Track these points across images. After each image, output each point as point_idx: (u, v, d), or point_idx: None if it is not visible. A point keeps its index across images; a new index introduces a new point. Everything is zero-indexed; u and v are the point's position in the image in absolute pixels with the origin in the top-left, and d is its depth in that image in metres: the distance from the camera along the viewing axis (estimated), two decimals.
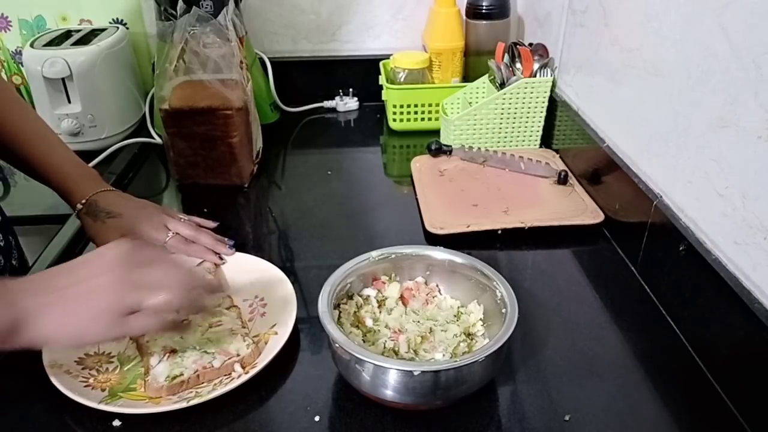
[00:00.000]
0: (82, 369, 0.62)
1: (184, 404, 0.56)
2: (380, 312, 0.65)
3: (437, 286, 0.69)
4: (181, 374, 0.59)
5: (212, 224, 0.81)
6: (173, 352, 0.62)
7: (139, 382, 0.60)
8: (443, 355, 0.59)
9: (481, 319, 0.65)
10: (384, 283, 0.68)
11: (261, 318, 0.69)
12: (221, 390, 0.57)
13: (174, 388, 0.58)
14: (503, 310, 0.60)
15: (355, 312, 0.64)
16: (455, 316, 0.66)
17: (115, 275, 0.52)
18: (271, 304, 0.70)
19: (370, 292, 0.67)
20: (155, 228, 0.75)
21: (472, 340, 0.63)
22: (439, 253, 0.68)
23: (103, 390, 0.59)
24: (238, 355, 0.61)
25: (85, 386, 0.59)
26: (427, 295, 0.68)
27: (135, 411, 0.56)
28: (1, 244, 0.72)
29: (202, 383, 0.60)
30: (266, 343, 0.64)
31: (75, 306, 0.51)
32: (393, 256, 0.67)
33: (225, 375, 0.60)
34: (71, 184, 0.77)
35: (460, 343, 0.61)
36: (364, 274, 0.66)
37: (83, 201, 0.75)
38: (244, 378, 0.59)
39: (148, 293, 0.53)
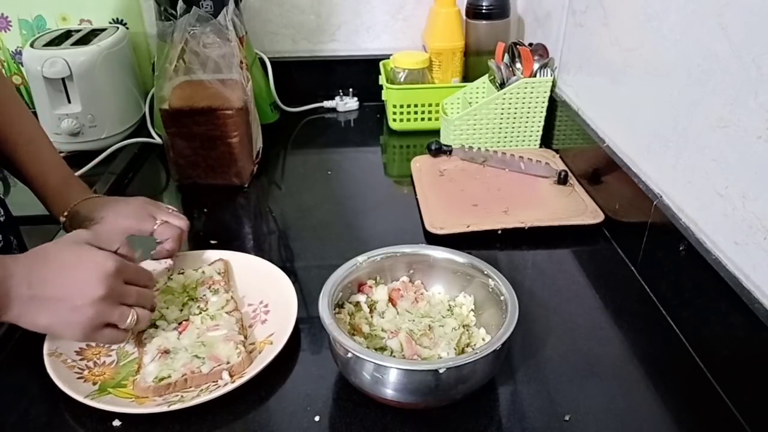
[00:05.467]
0: (80, 359, 0.62)
1: (165, 408, 0.56)
2: (372, 317, 0.65)
3: (422, 283, 0.69)
4: (169, 376, 0.59)
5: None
6: (166, 352, 0.62)
7: (131, 380, 0.60)
8: (447, 353, 0.59)
9: (472, 310, 0.66)
10: (371, 287, 0.68)
11: (261, 325, 0.68)
12: (206, 397, 0.57)
13: (160, 390, 0.58)
14: (501, 298, 0.61)
15: (349, 321, 0.64)
16: (448, 309, 0.66)
17: (101, 294, 0.57)
18: (273, 312, 0.69)
19: (359, 298, 0.67)
20: (141, 220, 0.73)
21: (468, 330, 0.63)
22: (419, 250, 0.69)
23: (94, 384, 0.59)
24: (227, 362, 0.61)
25: (78, 378, 0.60)
26: (415, 293, 0.68)
27: (117, 409, 0.56)
28: (0, 244, 0.72)
29: (189, 387, 0.59)
30: (260, 352, 0.63)
31: (59, 314, 0.57)
32: (379, 258, 0.67)
33: (212, 381, 0.60)
34: (52, 196, 0.76)
35: (461, 336, 0.61)
36: (351, 282, 0.66)
37: (65, 214, 0.75)
38: (230, 387, 0.58)
39: (123, 314, 0.59)
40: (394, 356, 0.59)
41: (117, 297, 0.59)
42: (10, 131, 0.75)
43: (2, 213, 0.75)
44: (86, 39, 1.11)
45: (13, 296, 0.55)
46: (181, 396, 0.58)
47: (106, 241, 0.62)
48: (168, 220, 0.74)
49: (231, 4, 0.97)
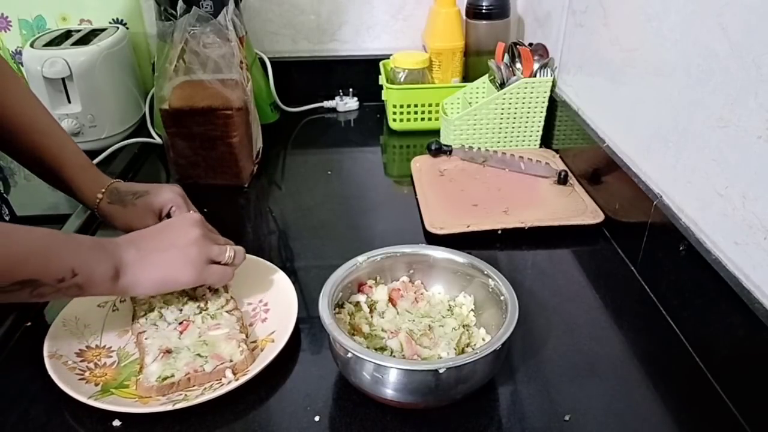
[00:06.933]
0: (81, 361, 0.62)
1: (170, 407, 0.56)
2: (373, 317, 0.65)
3: (422, 283, 0.69)
4: (172, 375, 0.59)
5: None
6: (168, 352, 0.62)
7: (133, 380, 0.60)
8: (447, 353, 0.59)
9: (472, 310, 0.66)
10: (371, 287, 0.68)
11: (262, 323, 0.68)
12: (209, 395, 0.57)
13: (164, 389, 0.58)
14: (501, 298, 0.61)
15: (349, 321, 0.64)
16: (448, 309, 0.66)
17: (198, 233, 0.65)
18: (273, 310, 0.69)
19: (359, 298, 0.67)
20: (183, 200, 0.76)
21: (468, 330, 0.63)
22: (419, 250, 0.69)
23: (96, 385, 0.59)
24: (230, 360, 0.61)
25: (80, 379, 0.60)
26: (415, 293, 0.68)
27: (121, 409, 0.56)
28: None
29: (193, 386, 0.59)
30: (262, 350, 0.64)
31: (169, 262, 0.62)
32: (379, 258, 0.67)
33: (216, 380, 0.60)
34: (87, 175, 0.77)
35: (461, 336, 0.61)
36: (351, 282, 0.66)
37: (102, 190, 0.76)
38: (234, 385, 0.58)
39: (222, 249, 0.66)
40: (394, 356, 0.59)
41: (211, 237, 0.66)
42: (37, 123, 0.76)
43: (7, 212, 0.75)
44: (86, 39, 1.11)
45: (125, 262, 0.60)
46: (185, 395, 0.58)
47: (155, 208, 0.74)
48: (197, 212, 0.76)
49: (231, 4, 0.97)
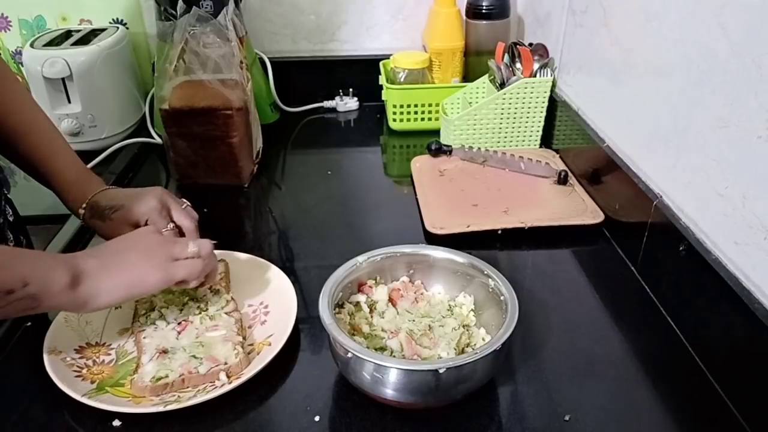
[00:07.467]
0: (80, 358, 0.63)
1: (161, 407, 0.56)
2: (372, 317, 0.65)
3: (422, 283, 0.69)
4: (167, 376, 0.59)
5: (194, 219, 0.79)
6: (164, 352, 0.62)
7: (128, 379, 0.61)
8: (447, 353, 0.59)
9: (472, 310, 0.66)
10: (371, 287, 0.68)
11: (261, 326, 0.68)
12: (202, 397, 0.57)
13: (157, 389, 0.58)
14: (501, 298, 0.61)
15: (349, 321, 0.64)
16: (448, 309, 0.66)
17: (156, 236, 0.65)
18: (273, 312, 0.69)
19: (359, 298, 0.67)
20: (159, 213, 0.73)
21: (468, 330, 0.63)
22: (419, 250, 0.69)
23: (92, 382, 0.60)
24: (225, 363, 0.61)
25: (77, 376, 0.60)
26: (415, 293, 0.68)
27: (113, 408, 0.56)
28: (11, 244, 0.72)
29: (187, 387, 0.59)
30: (258, 354, 0.63)
31: (133, 265, 0.60)
32: (379, 258, 0.67)
33: (209, 382, 0.60)
34: (72, 189, 0.77)
35: (461, 336, 0.61)
36: (351, 282, 0.66)
37: (84, 206, 0.75)
38: (227, 388, 0.58)
39: (184, 244, 0.64)
40: (394, 356, 0.59)
41: (170, 239, 0.66)
42: (31, 130, 0.76)
43: (11, 213, 0.75)
44: (86, 39, 1.11)
45: (84, 269, 0.57)
46: (178, 396, 0.58)
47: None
48: (179, 221, 0.74)
49: (231, 4, 0.97)
